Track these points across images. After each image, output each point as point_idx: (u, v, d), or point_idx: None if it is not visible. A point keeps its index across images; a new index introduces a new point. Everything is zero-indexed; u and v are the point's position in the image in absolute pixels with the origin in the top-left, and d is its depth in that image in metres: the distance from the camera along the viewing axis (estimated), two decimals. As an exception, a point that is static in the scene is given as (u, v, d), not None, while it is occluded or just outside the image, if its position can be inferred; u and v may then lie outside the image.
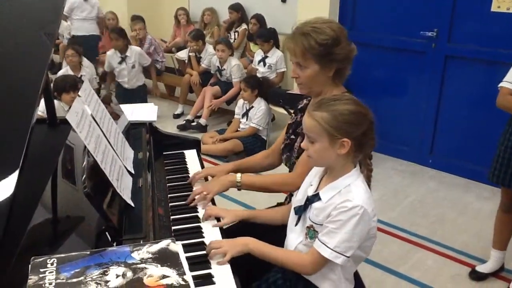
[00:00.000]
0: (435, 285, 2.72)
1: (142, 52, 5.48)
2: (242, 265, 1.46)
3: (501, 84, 2.41)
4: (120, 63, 5.29)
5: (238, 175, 1.86)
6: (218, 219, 1.71)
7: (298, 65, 1.72)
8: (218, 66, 5.31)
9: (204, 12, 6.23)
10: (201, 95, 5.32)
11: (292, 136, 1.91)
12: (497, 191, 2.88)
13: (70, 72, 4.82)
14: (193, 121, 5.23)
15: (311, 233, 1.47)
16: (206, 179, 2.02)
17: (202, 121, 5.15)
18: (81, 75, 4.87)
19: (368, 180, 1.50)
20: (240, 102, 4.81)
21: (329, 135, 1.39)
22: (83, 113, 1.51)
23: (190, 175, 2.02)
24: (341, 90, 1.77)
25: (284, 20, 5.47)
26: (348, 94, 1.67)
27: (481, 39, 3.73)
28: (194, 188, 1.90)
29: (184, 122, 5.22)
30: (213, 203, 1.85)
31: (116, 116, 2.02)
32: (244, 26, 5.86)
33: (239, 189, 1.88)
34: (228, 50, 5.17)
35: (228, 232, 1.67)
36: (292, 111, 4.32)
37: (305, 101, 1.94)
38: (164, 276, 1.05)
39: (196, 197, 1.80)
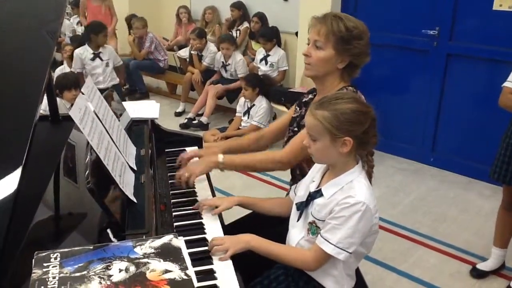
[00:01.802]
0: (436, 283, 2.72)
1: (115, 52, 5.32)
2: (244, 261, 1.47)
3: (504, 84, 2.42)
4: (92, 59, 5.00)
5: (221, 156, 1.82)
6: (220, 214, 1.73)
7: (315, 45, 1.74)
8: (222, 62, 5.32)
9: (206, 11, 6.24)
10: (203, 93, 5.33)
11: (296, 129, 1.91)
12: (498, 189, 2.88)
13: (68, 69, 4.84)
14: (194, 119, 5.24)
15: (313, 229, 1.48)
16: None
17: (204, 119, 5.16)
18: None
19: (369, 176, 1.51)
20: (242, 100, 4.81)
21: (331, 134, 1.40)
22: (86, 109, 1.52)
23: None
24: (346, 85, 1.78)
25: (286, 19, 5.47)
26: (350, 92, 1.68)
27: (483, 38, 3.73)
28: (177, 173, 1.89)
29: (186, 120, 5.23)
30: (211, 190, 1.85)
31: (118, 113, 2.03)
32: (246, 24, 5.86)
33: (222, 170, 1.85)
34: (232, 47, 5.18)
35: (229, 228, 1.68)
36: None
37: (310, 96, 1.95)
38: (166, 271, 1.06)
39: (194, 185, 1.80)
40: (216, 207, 1.71)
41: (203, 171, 1.84)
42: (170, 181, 1.94)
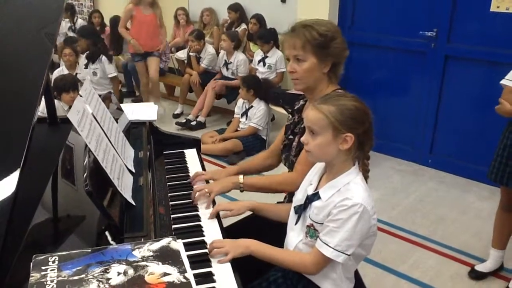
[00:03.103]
0: (435, 285, 2.72)
1: (108, 64, 5.20)
2: (242, 263, 1.47)
3: (503, 82, 2.41)
4: (85, 67, 5.08)
5: (241, 177, 1.87)
6: (218, 217, 1.72)
7: (296, 59, 1.74)
8: (225, 60, 5.33)
9: (203, 12, 6.23)
10: (202, 94, 5.32)
11: (290, 136, 1.93)
12: (496, 191, 2.89)
13: (66, 71, 4.84)
14: (193, 121, 5.23)
15: (311, 232, 1.48)
16: (207, 182, 2.02)
17: (201, 118, 5.17)
18: (76, 73, 4.91)
19: (365, 180, 1.51)
20: (240, 101, 4.82)
21: (334, 128, 1.40)
22: (84, 112, 1.52)
23: (191, 174, 2.03)
24: (336, 87, 1.78)
25: (284, 20, 5.42)
26: (350, 93, 1.68)
27: (481, 39, 3.74)
28: (195, 187, 1.91)
29: (185, 120, 5.23)
30: (213, 204, 1.85)
31: (116, 115, 2.03)
32: (243, 26, 5.86)
33: (241, 191, 1.89)
34: (230, 41, 5.19)
35: (228, 231, 1.68)
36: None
37: (301, 102, 1.96)
38: (165, 274, 1.06)
39: (197, 193, 1.81)
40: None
41: (221, 191, 1.86)
42: (168, 184, 1.94)
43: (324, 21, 1.77)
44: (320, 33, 1.70)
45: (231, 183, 1.87)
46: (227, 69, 5.36)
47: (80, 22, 7.18)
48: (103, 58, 5.19)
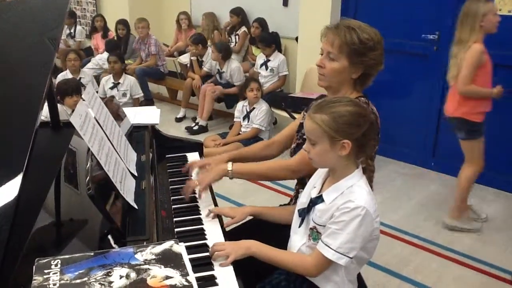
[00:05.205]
0: (438, 288, 2.72)
1: (137, 84, 5.25)
2: (245, 266, 1.47)
3: None
4: (111, 88, 5.10)
5: (229, 163, 1.82)
6: (221, 220, 1.72)
7: (328, 56, 1.72)
8: (218, 69, 5.35)
9: (203, 17, 6.28)
10: (201, 95, 5.32)
11: (304, 136, 1.91)
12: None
13: (70, 75, 4.87)
14: (194, 126, 5.24)
15: (314, 234, 1.47)
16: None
17: (203, 122, 5.20)
18: (80, 78, 4.95)
19: (370, 181, 1.51)
20: (240, 105, 4.79)
21: (330, 137, 1.40)
22: (87, 115, 1.52)
23: (193, 178, 2.02)
24: (359, 95, 1.76)
25: (286, 24, 5.49)
26: (348, 96, 1.68)
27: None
28: (186, 183, 1.89)
29: (194, 124, 5.28)
30: (215, 205, 1.85)
31: (119, 119, 2.03)
32: (244, 28, 5.88)
33: (230, 178, 1.85)
34: (217, 52, 5.19)
35: (231, 234, 1.68)
36: (294, 114, 4.34)
37: (318, 101, 1.94)
38: (167, 277, 1.06)
39: (195, 190, 1.79)
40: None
41: (212, 180, 1.82)
42: (171, 187, 1.94)
43: (370, 29, 1.72)
44: (361, 39, 1.67)
45: (221, 170, 1.82)
46: (221, 77, 5.38)
47: (78, 29, 7.23)
48: (132, 79, 5.23)
